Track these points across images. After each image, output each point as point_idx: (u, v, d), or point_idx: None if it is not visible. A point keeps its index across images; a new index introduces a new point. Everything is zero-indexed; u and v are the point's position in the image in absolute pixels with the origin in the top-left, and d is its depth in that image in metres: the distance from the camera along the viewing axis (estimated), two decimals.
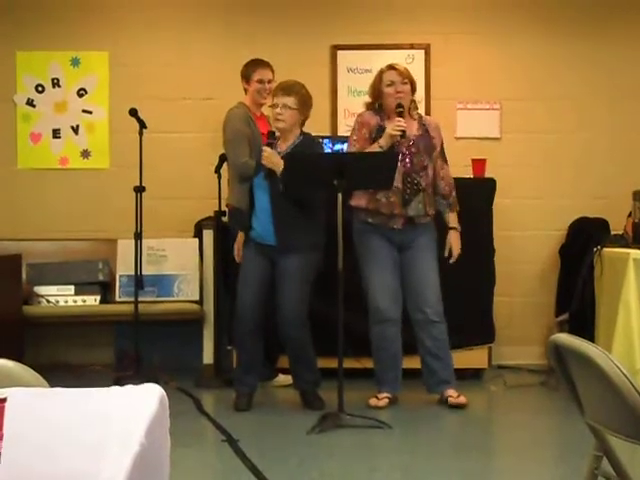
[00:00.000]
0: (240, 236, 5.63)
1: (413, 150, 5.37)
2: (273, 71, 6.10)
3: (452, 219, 5.53)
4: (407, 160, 5.34)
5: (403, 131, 5.21)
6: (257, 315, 5.37)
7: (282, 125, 5.31)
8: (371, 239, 5.40)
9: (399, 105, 5.30)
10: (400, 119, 5.23)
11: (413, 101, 5.50)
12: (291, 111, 5.29)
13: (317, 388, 5.43)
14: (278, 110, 5.29)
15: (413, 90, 5.45)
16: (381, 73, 5.46)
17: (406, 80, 5.38)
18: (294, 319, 5.29)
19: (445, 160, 5.54)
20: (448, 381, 5.44)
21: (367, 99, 5.60)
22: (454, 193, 5.53)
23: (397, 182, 5.27)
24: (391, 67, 5.45)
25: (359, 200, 5.41)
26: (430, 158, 5.42)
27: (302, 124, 5.41)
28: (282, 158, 5.21)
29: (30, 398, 1.56)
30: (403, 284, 5.43)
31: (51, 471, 1.28)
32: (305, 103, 5.35)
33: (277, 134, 5.35)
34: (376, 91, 5.46)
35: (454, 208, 5.53)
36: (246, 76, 6.11)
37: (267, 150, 5.25)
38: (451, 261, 5.49)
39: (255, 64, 6.12)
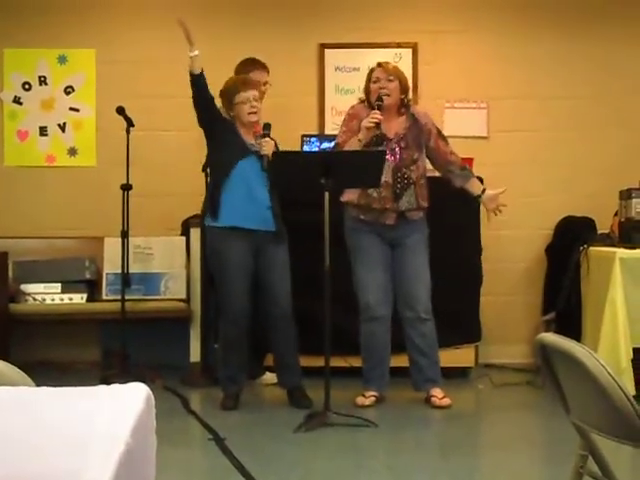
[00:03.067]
0: None
1: (402, 145, 5.39)
2: (269, 73, 6.11)
3: (476, 184, 5.50)
4: (397, 155, 5.36)
5: (378, 123, 5.22)
6: (248, 314, 5.35)
7: (257, 118, 5.39)
8: (363, 237, 5.41)
9: (378, 99, 5.31)
10: (376, 112, 5.24)
11: (403, 99, 5.48)
12: (259, 105, 5.41)
13: (300, 383, 5.43)
14: (255, 103, 5.37)
15: (403, 89, 5.45)
16: (370, 71, 5.50)
17: (392, 77, 5.40)
18: (288, 310, 5.34)
19: (445, 140, 5.54)
20: (434, 380, 5.45)
21: (356, 97, 5.66)
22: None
23: (387, 177, 5.29)
24: (379, 65, 5.49)
25: (350, 195, 5.42)
26: (420, 151, 5.43)
27: None
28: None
29: (15, 397, 1.56)
30: (394, 281, 5.44)
31: (36, 470, 1.28)
32: None
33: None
34: (367, 88, 5.48)
35: (473, 174, 5.54)
36: (241, 74, 6.09)
37: (269, 142, 5.31)
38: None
39: (253, 64, 6.12)
